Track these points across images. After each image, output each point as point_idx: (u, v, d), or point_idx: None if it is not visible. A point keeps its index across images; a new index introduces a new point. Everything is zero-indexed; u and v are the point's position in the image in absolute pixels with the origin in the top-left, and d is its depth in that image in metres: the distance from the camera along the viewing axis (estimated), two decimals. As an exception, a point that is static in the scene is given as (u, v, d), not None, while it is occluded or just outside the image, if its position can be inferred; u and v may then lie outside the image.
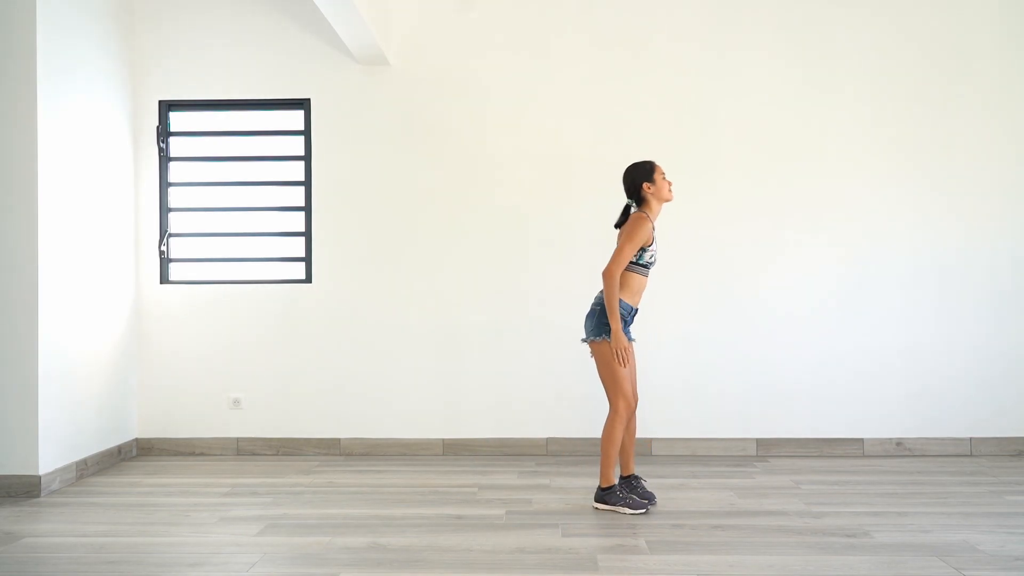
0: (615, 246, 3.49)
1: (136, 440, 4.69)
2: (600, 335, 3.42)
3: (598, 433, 4.57)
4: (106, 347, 4.38)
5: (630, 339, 3.46)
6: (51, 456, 3.87)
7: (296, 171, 4.77)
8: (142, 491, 3.87)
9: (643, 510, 3.42)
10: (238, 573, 2.74)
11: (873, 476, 4.08)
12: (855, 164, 4.60)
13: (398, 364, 4.67)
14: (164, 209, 4.74)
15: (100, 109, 4.34)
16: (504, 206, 4.65)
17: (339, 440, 4.67)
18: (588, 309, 3.54)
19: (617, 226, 3.55)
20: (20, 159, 3.77)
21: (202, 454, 4.68)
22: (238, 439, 4.69)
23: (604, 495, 3.46)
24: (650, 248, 3.45)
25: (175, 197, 4.78)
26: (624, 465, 3.62)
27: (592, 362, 3.75)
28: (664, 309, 4.61)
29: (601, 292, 3.45)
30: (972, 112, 4.59)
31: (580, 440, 4.60)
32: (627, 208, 3.53)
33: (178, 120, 4.81)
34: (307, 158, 4.72)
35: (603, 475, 3.47)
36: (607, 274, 3.36)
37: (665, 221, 4.61)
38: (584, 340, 3.51)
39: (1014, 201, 4.57)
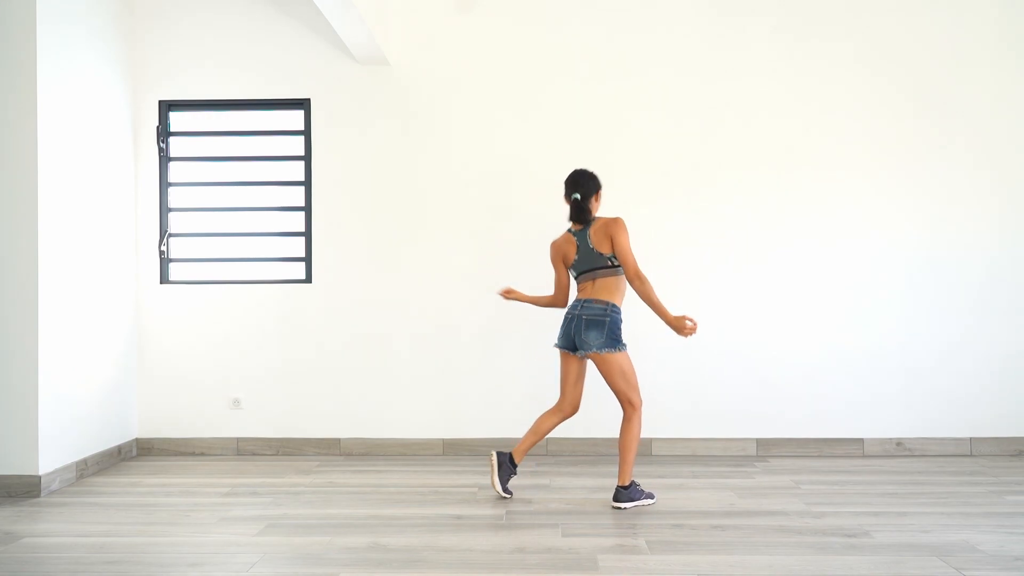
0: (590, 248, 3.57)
1: (136, 440, 4.69)
2: (616, 347, 3.51)
3: (598, 433, 4.58)
4: (106, 347, 4.38)
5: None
6: (51, 456, 3.87)
7: (296, 171, 4.77)
8: (142, 491, 3.87)
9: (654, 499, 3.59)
10: (238, 573, 2.74)
11: (873, 476, 4.08)
12: (855, 165, 4.60)
13: (398, 364, 4.67)
14: (164, 209, 4.74)
15: (100, 109, 4.34)
16: (504, 206, 4.65)
17: (339, 440, 4.67)
18: (572, 319, 3.55)
19: (574, 219, 3.60)
20: (20, 159, 3.77)
21: (202, 454, 4.68)
22: (238, 439, 4.69)
23: (630, 493, 3.51)
24: None
25: (175, 197, 4.78)
26: (521, 452, 3.69)
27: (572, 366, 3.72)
28: (664, 309, 4.61)
29: (590, 302, 3.51)
30: (972, 114, 4.58)
31: (580, 440, 4.60)
32: (578, 202, 3.59)
33: (178, 120, 4.81)
34: (307, 158, 4.72)
35: (627, 473, 3.53)
36: (641, 276, 3.49)
37: (665, 221, 4.63)
38: (588, 353, 3.54)
39: (1014, 202, 4.58)
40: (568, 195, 3.62)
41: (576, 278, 3.66)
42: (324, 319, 4.68)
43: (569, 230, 3.66)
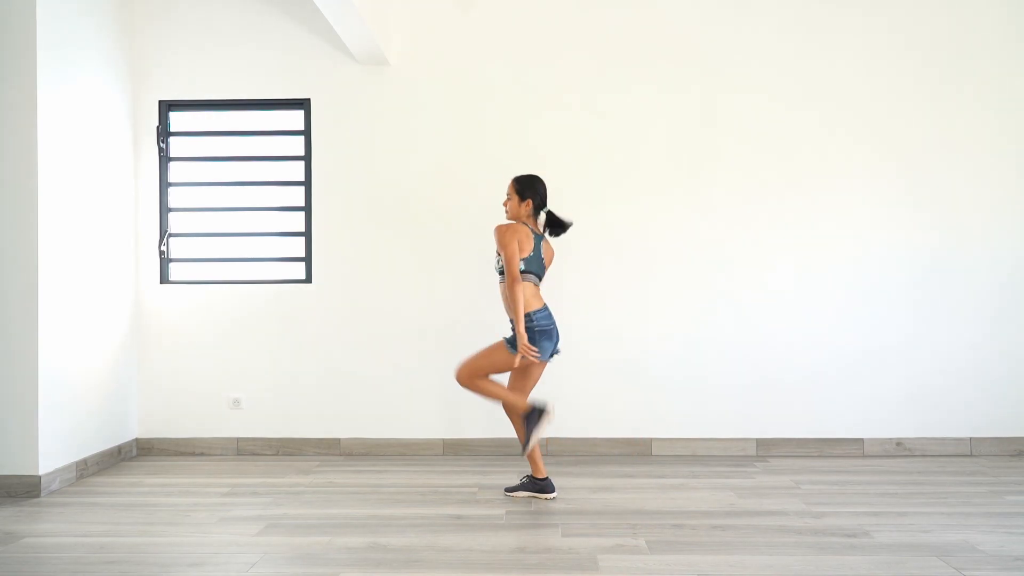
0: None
1: (136, 440, 4.69)
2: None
3: (599, 433, 4.58)
4: (106, 347, 4.38)
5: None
6: (51, 456, 3.87)
7: (296, 171, 4.77)
8: (142, 491, 3.87)
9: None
10: (238, 573, 2.74)
11: (873, 476, 4.08)
12: (856, 165, 4.60)
13: (398, 364, 4.67)
14: (164, 209, 4.74)
15: (100, 109, 4.34)
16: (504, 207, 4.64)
17: (339, 440, 4.67)
18: (555, 326, 3.70)
19: (553, 233, 3.80)
20: (20, 159, 3.77)
21: (202, 454, 4.68)
22: (238, 439, 4.69)
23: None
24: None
25: (175, 197, 4.78)
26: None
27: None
28: (664, 309, 4.61)
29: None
30: (973, 112, 4.58)
31: (580, 440, 4.60)
32: (550, 214, 3.78)
33: (178, 120, 4.80)
34: (307, 158, 4.72)
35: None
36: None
37: (665, 221, 4.63)
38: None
39: (1015, 201, 4.58)
40: (544, 202, 3.75)
41: (538, 276, 3.69)
42: (324, 319, 4.68)
43: (531, 228, 3.69)
